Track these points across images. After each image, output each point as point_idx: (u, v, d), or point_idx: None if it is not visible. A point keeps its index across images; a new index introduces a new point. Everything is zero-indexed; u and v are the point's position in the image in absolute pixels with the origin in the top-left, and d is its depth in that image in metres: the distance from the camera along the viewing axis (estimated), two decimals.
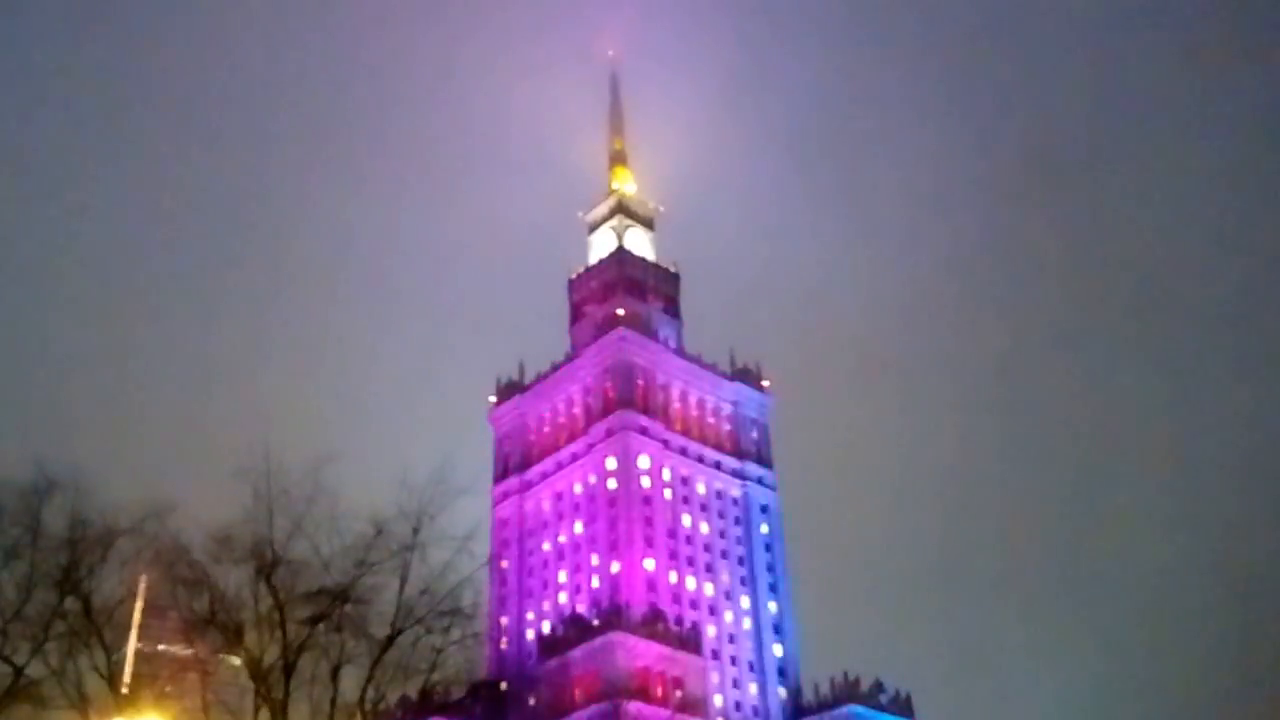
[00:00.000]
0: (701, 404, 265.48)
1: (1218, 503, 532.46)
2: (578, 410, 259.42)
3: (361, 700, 56.34)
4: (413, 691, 60.49)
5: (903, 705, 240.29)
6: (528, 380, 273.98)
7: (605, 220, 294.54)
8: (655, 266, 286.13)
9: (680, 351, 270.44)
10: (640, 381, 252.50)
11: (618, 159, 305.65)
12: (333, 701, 55.46)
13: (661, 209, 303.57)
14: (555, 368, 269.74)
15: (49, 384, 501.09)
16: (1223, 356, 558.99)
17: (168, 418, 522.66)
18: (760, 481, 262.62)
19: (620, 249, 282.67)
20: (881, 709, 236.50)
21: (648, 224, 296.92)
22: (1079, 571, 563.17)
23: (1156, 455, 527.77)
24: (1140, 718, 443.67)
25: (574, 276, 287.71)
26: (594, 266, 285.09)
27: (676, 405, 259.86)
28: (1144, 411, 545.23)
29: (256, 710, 54.59)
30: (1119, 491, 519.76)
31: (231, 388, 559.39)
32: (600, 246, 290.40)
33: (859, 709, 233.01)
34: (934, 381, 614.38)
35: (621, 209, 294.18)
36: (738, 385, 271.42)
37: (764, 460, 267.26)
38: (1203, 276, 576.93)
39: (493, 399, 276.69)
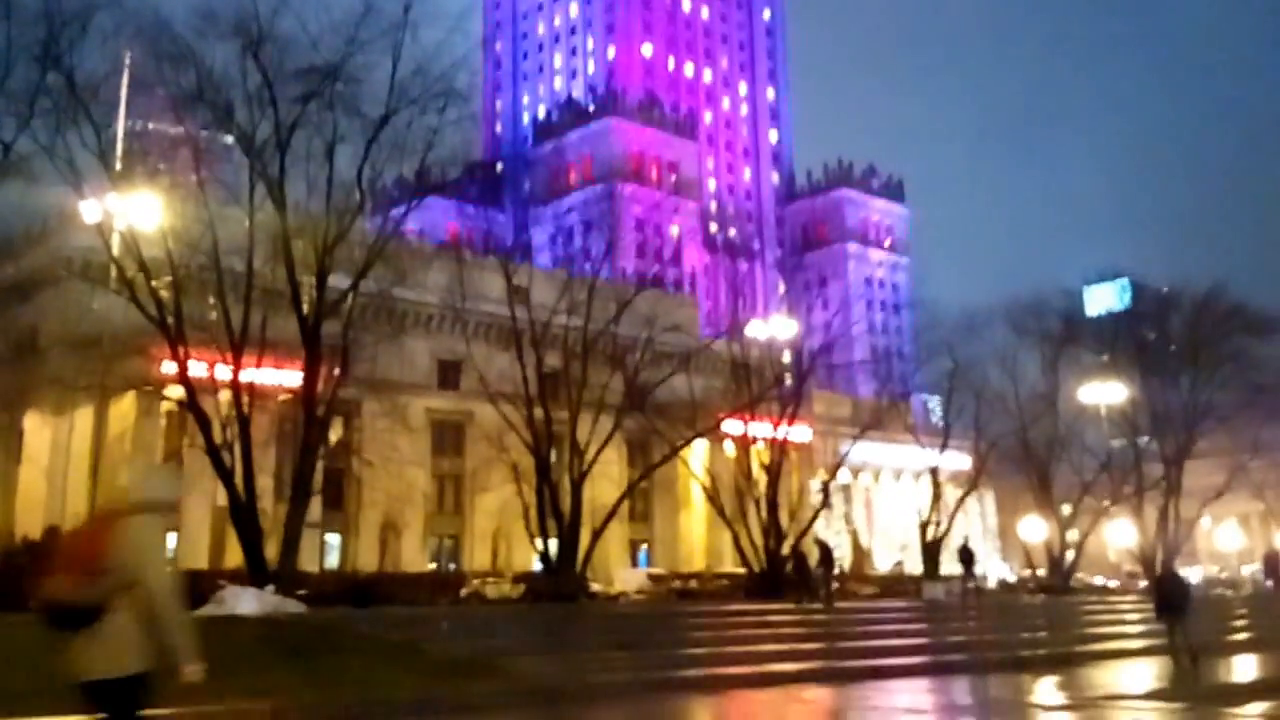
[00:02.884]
0: None
1: None
2: None
3: (359, 178, 55.92)
4: (409, 171, 59.80)
5: (894, 190, 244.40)
6: None
7: None
8: None
9: None
10: None
11: None
12: (329, 179, 54.97)
13: None
14: None
15: None
16: None
17: None
18: None
19: None
20: (872, 193, 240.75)
21: None
22: (1102, 43, 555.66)
23: None
24: (1157, 212, 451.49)
25: None
26: None
27: None
28: None
29: (252, 188, 54.14)
30: None
31: None
32: None
33: (850, 192, 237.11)
34: None
35: None
36: None
37: None
38: None
39: None
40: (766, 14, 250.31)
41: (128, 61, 53.92)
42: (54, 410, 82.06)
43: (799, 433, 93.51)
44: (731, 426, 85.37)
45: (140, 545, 9.97)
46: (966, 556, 70.70)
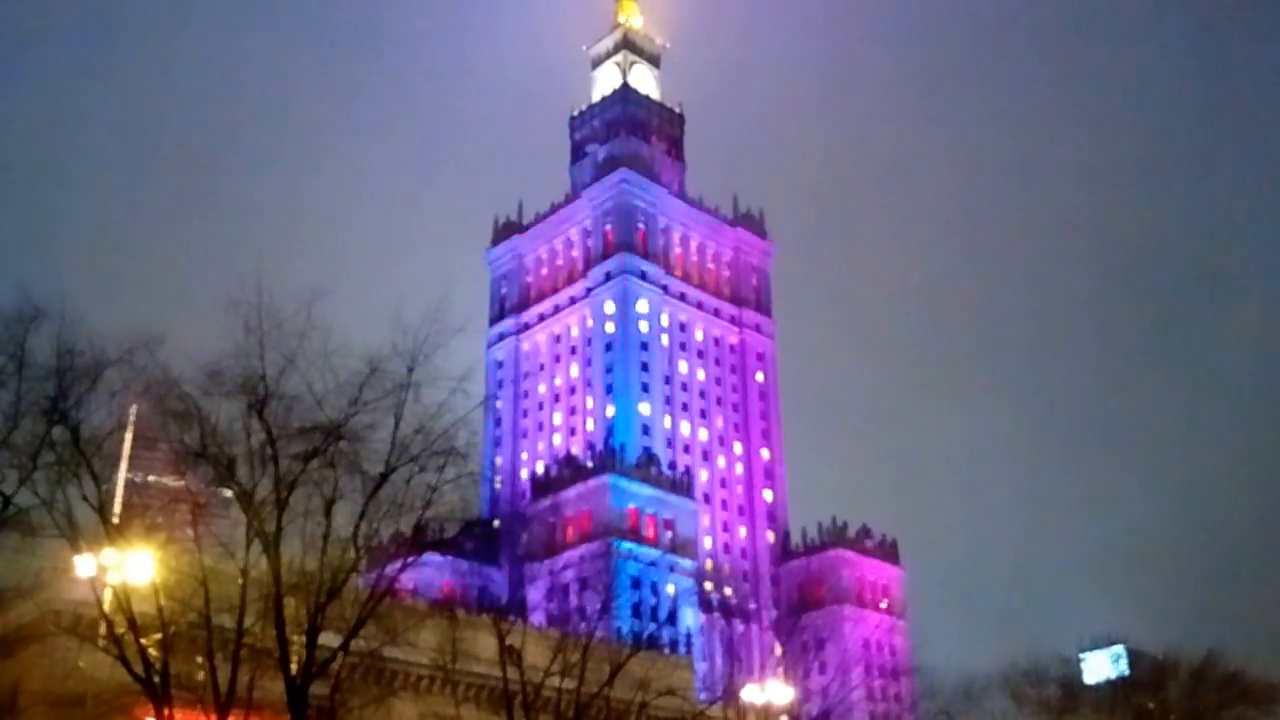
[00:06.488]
0: (702, 249, 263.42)
1: None
2: (576, 252, 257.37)
3: (355, 535, 55.76)
4: (406, 528, 59.71)
5: (888, 550, 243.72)
6: (526, 221, 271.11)
7: (610, 55, 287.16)
8: (660, 106, 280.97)
9: (682, 195, 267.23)
10: (641, 225, 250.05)
11: None
12: (325, 536, 54.84)
13: (668, 45, 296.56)
14: (554, 208, 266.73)
15: (34, 211, 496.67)
16: None
17: (158, 251, 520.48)
18: (758, 329, 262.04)
19: (624, 86, 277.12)
20: (867, 553, 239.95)
21: (653, 61, 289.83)
22: (1082, 430, 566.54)
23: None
24: (1154, 570, 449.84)
25: (576, 114, 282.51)
26: (597, 104, 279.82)
27: (677, 250, 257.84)
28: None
29: (249, 543, 54.06)
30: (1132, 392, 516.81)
31: (224, 221, 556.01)
32: (604, 83, 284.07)
33: (845, 553, 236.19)
34: (943, 237, 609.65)
35: (627, 44, 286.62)
36: (739, 232, 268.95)
37: (763, 308, 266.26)
38: None
39: (490, 239, 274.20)
40: (760, 376, 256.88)
41: (133, 417, 54.65)
42: None
43: None
44: None
45: None
46: None
